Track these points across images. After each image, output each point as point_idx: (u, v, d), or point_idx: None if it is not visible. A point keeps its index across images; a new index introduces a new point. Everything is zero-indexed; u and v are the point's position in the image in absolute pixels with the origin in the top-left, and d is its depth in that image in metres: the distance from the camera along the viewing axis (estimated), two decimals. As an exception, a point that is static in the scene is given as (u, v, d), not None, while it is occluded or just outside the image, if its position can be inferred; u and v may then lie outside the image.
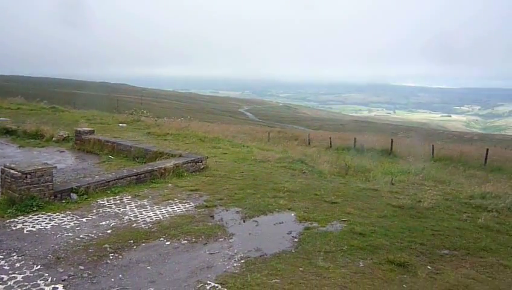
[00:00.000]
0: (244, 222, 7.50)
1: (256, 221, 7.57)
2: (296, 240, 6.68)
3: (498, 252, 6.62)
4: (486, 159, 22.19)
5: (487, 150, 23.10)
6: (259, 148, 17.33)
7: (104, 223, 7.05)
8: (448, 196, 10.19)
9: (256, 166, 12.67)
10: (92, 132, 14.11)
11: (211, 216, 7.66)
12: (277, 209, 8.23)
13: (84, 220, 7.14)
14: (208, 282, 5.11)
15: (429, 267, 5.88)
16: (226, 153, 14.52)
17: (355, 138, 26.86)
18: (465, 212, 8.70)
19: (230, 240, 6.54)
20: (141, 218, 7.37)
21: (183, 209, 7.95)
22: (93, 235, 6.47)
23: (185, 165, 10.78)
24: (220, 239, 6.57)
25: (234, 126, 39.08)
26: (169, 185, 9.62)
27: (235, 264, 5.65)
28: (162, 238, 6.47)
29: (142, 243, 6.28)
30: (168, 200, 8.47)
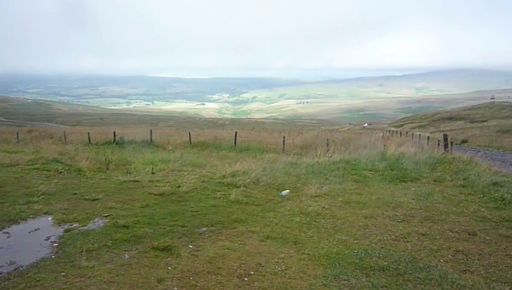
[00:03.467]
0: (-8, 236, 6.64)
1: (7, 232, 6.79)
2: (55, 245, 6.28)
3: (247, 221, 7.56)
4: (235, 141, 24.72)
5: (236, 133, 25.77)
6: (5, 151, 15.52)
7: None
8: (205, 178, 11.07)
9: (3, 171, 11.30)
10: None
11: None
12: (31, 216, 7.55)
13: None
14: None
15: (191, 246, 6.31)
16: (-40, 162, 12.50)
17: (114, 132, 26.39)
18: (219, 191, 9.62)
19: (-24, 260, 5.72)
20: None
21: None
22: None
23: None
24: (-39, 261, 5.68)
25: (-28, 129, 33.72)
26: None
27: (-18, 285, 5.00)
28: None
29: None
30: None
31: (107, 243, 6.28)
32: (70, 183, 10.14)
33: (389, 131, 52.50)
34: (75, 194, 9.08)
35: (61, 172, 11.87)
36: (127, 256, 5.88)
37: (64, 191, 9.33)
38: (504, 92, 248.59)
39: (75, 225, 7.13)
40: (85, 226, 7.07)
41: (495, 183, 10.17)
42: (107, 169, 13.37)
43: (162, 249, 6.06)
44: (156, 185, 9.93)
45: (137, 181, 10.55)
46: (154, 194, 9.17)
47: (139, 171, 12.78)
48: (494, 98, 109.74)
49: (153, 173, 12.16)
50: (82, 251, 5.94)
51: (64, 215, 7.56)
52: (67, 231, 6.84)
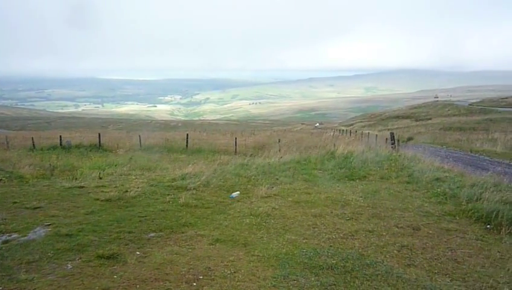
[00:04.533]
0: None
1: None
2: (-8, 257, 5.93)
3: (196, 225, 7.44)
4: (187, 143, 24.46)
5: (187, 135, 25.50)
6: None
7: None
8: (153, 182, 10.82)
9: None
10: None
11: None
12: (-35, 228, 7.10)
13: None
14: None
15: (138, 252, 6.13)
16: None
17: (60, 136, 25.45)
18: (169, 195, 9.42)
19: None
20: None
21: None
22: None
23: None
24: None
25: None
26: None
27: None
28: None
29: None
30: None
31: (49, 254, 5.99)
32: (10, 192, 9.64)
33: (340, 130, 53.59)
34: (15, 203, 8.62)
35: (0, 180, 11.28)
36: (69, 266, 5.63)
37: (3, 200, 8.85)
38: (447, 91, 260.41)
39: (14, 235, 6.76)
40: (25, 236, 6.71)
41: (437, 179, 10.59)
42: (52, 175, 12.84)
43: (108, 257, 5.84)
44: (102, 191, 9.61)
45: (83, 187, 10.17)
46: (101, 200, 8.86)
47: (85, 176, 12.33)
48: (437, 97, 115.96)
49: (100, 178, 11.76)
50: (21, 263, 5.64)
51: (3, 226, 7.15)
52: (5, 242, 6.48)
